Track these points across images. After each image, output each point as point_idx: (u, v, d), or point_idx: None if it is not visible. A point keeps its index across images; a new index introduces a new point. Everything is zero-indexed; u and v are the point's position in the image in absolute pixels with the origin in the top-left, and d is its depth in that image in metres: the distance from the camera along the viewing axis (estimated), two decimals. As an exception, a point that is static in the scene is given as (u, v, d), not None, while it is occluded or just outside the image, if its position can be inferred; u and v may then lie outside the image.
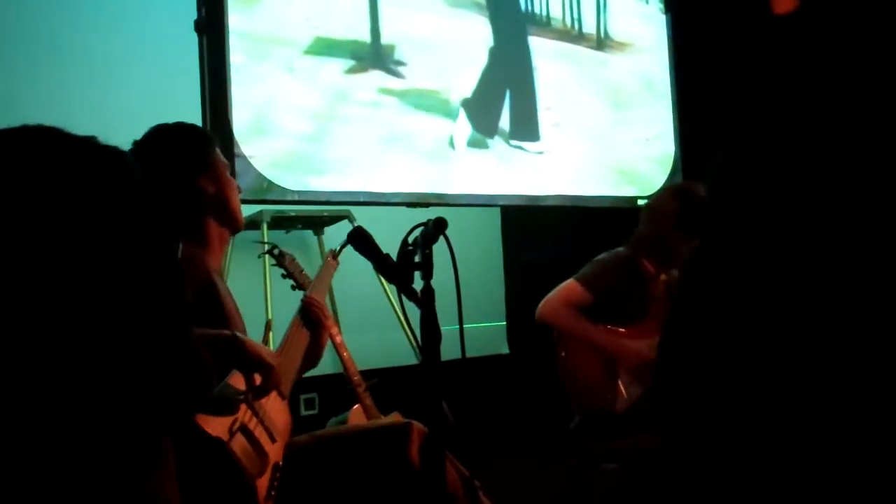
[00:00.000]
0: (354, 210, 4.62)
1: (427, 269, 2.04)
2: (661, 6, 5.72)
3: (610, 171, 5.26)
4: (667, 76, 5.64)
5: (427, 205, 4.34)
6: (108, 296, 0.70)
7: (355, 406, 3.55)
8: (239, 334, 2.41)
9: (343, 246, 2.83)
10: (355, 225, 4.40)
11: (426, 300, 2.04)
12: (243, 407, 2.43)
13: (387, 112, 4.49)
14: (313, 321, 2.87)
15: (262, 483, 2.41)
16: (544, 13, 5.18)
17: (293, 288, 3.20)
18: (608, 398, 3.69)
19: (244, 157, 3.88)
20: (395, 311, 4.61)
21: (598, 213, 5.22)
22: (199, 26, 3.87)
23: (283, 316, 3.26)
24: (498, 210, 5.34)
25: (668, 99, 5.60)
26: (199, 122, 3.81)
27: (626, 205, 5.21)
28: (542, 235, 5.48)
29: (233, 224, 2.77)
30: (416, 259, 2.05)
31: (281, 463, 2.52)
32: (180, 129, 2.73)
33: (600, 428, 3.70)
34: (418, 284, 2.25)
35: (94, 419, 0.69)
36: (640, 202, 5.24)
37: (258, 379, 2.44)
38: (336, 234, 4.52)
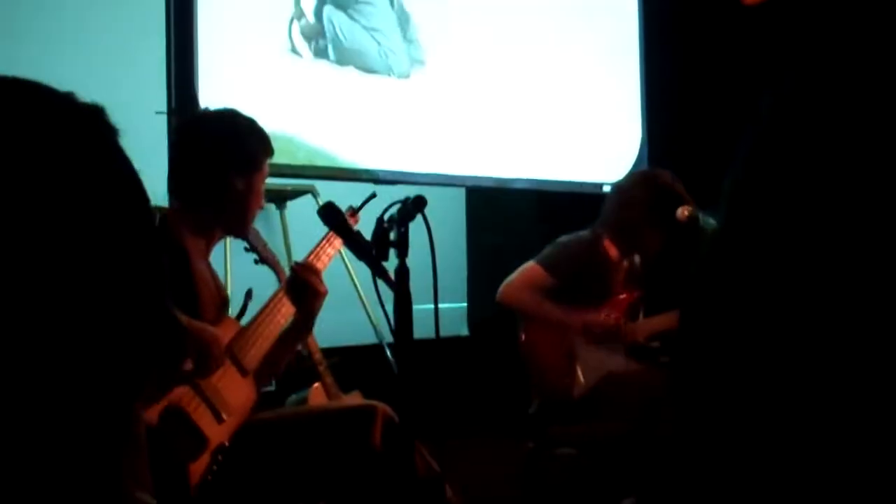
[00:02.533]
0: (318, 185, 4.55)
1: (403, 248, 2.00)
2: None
3: (577, 156, 5.24)
4: (636, 62, 5.62)
5: (394, 182, 4.29)
6: (80, 260, 0.65)
7: (315, 384, 3.50)
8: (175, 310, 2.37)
9: (363, 204, 2.79)
10: (320, 200, 4.38)
11: (401, 280, 2.00)
12: (182, 389, 2.39)
13: (355, 87, 4.43)
14: (300, 288, 2.80)
15: (197, 468, 2.37)
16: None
17: (256, 262, 3.13)
18: (566, 382, 3.69)
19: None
20: (357, 289, 4.57)
21: (563, 197, 5.21)
22: (167, -9, 3.78)
23: (242, 291, 3.20)
24: (463, 191, 5.31)
25: (636, 84, 5.59)
26: (163, 90, 3.74)
27: (592, 190, 5.20)
28: (507, 218, 5.46)
29: (238, 230, 2.82)
30: (392, 237, 2.00)
31: (227, 443, 2.47)
32: (250, 123, 2.76)
33: (558, 413, 3.70)
34: (391, 263, 2.22)
35: (62, 389, 0.65)
36: (606, 188, 5.23)
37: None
38: (300, 209, 4.46)
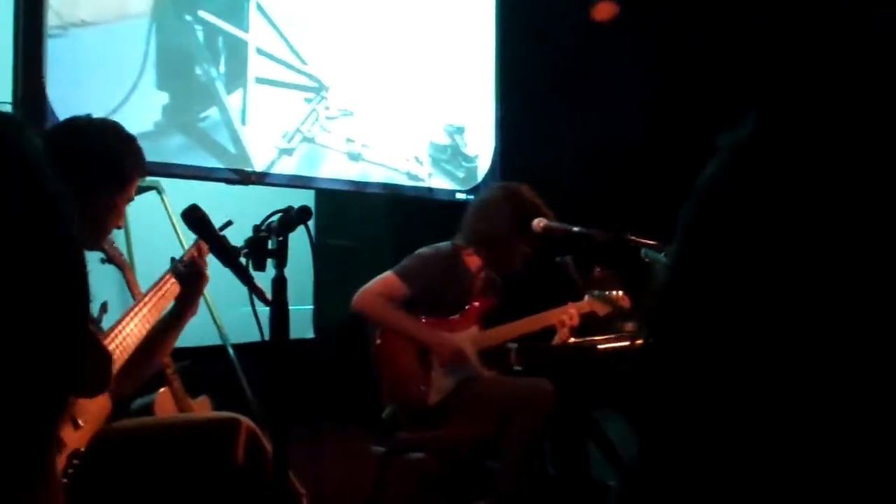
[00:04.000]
0: (163, 182, 4.42)
1: (281, 258, 1.96)
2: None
3: (429, 163, 5.29)
4: (491, 77, 5.71)
5: (246, 182, 4.21)
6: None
7: (162, 388, 3.39)
8: None
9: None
10: (165, 197, 4.26)
11: (278, 290, 1.96)
12: None
13: (207, 83, 4.33)
14: (192, 276, 2.80)
15: None
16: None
17: (102, 262, 3.01)
18: (421, 389, 3.70)
19: (57, 121, 3.63)
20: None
21: (412, 202, 5.24)
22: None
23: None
24: (312, 193, 5.26)
25: (490, 97, 5.68)
26: (9, 80, 3.57)
27: (445, 197, 5.25)
28: (355, 221, 5.44)
29: (90, 243, 2.71)
30: (270, 246, 1.96)
31: (83, 450, 2.39)
32: (130, 140, 2.67)
33: (412, 418, 3.70)
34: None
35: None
36: (458, 195, 5.29)
37: None
38: (143, 206, 4.31)
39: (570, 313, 3.79)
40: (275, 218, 2.00)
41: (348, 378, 4.57)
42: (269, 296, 2.25)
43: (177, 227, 4.11)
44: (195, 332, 4.56)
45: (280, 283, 1.98)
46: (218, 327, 4.56)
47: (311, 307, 5.44)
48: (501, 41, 5.72)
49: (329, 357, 5.03)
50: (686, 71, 4.88)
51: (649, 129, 5.18)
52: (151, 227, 4.34)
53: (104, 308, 2.72)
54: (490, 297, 3.96)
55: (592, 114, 5.09)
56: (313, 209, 5.40)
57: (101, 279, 2.94)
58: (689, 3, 4.98)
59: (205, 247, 2.86)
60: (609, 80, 5.13)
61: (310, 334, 5.40)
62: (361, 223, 5.37)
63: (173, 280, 2.81)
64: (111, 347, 2.51)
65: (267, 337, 2.18)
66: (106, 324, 2.66)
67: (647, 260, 3.25)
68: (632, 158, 5.39)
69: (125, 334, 2.56)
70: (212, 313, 4.51)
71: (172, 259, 2.92)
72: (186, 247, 3.88)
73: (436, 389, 3.70)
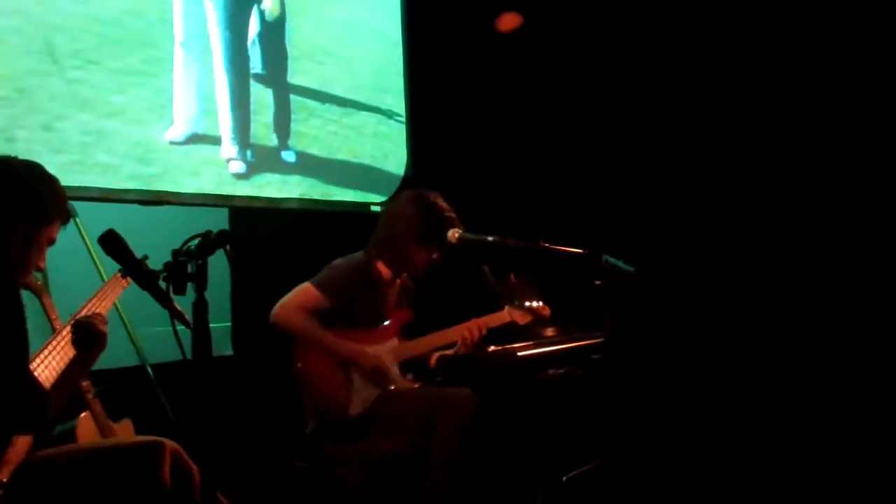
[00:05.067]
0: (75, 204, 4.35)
1: (201, 281, 1.98)
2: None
3: (344, 177, 5.31)
4: (402, 89, 5.75)
5: (161, 203, 4.18)
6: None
7: (83, 413, 3.36)
8: None
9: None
10: (78, 220, 4.20)
11: (199, 313, 1.98)
12: None
13: (114, 109, 4.28)
14: (91, 337, 2.69)
15: None
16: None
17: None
18: (343, 403, 3.71)
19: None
20: (118, 308, 4.42)
21: (326, 216, 5.25)
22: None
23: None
24: (225, 210, 5.23)
25: (401, 108, 5.73)
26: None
27: (360, 210, 5.27)
28: (270, 235, 5.42)
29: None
30: (189, 270, 1.97)
31: (5, 481, 2.37)
32: (50, 178, 2.65)
33: (334, 433, 3.71)
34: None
35: None
36: (374, 208, 5.31)
37: None
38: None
39: (470, 329, 3.80)
40: (193, 242, 2.01)
41: (270, 394, 4.56)
42: (188, 318, 2.26)
43: (92, 250, 4.06)
44: (114, 354, 4.52)
45: (201, 307, 2.00)
46: (136, 348, 4.51)
47: (229, 324, 5.41)
48: (410, 54, 5.77)
49: (249, 373, 5.01)
50: (596, 78, 4.97)
51: (563, 136, 5.26)
52: (66, 251, 4.28)
53: None
54: (407, 309, 3.99)
55: (507, 122, 5.14)
56: (226, 225, 5.43)
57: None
58: (598, 9, 5.06)
59: (109, 302, 2.83)
60: (524, 87, 5.18)
61: (229, 351, 5.36)
62: (275, 236, 5.35)
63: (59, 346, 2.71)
64: None
65: (188, 356, 2.20)
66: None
67: (608, 265, 3.24)
68: (546, 166, 5.47)
69: (45, 366, 2.53)
70: (129, 334, 4.46)
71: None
72: (102, 269, 3.86)
73: (357, 401, 3.71)
